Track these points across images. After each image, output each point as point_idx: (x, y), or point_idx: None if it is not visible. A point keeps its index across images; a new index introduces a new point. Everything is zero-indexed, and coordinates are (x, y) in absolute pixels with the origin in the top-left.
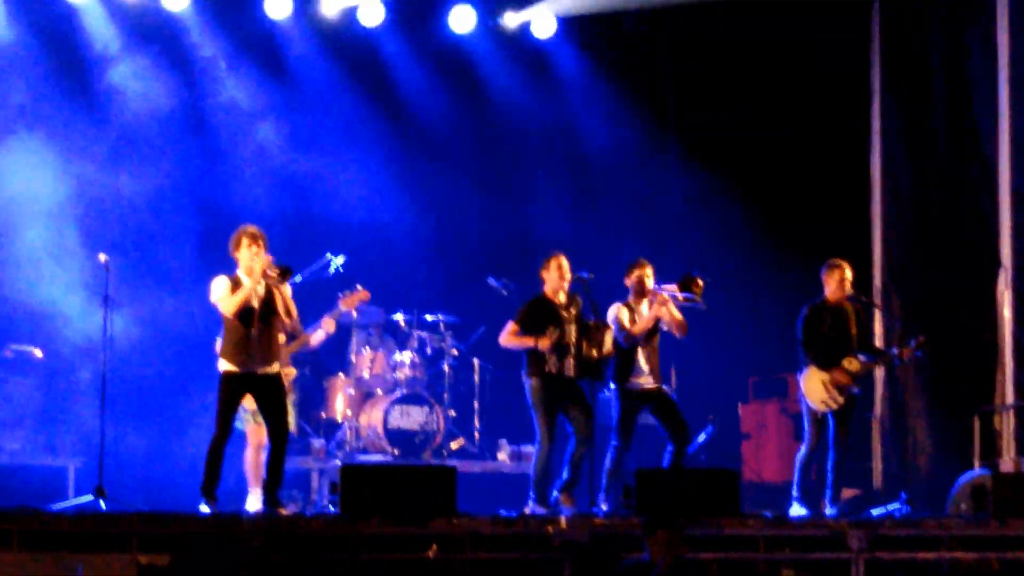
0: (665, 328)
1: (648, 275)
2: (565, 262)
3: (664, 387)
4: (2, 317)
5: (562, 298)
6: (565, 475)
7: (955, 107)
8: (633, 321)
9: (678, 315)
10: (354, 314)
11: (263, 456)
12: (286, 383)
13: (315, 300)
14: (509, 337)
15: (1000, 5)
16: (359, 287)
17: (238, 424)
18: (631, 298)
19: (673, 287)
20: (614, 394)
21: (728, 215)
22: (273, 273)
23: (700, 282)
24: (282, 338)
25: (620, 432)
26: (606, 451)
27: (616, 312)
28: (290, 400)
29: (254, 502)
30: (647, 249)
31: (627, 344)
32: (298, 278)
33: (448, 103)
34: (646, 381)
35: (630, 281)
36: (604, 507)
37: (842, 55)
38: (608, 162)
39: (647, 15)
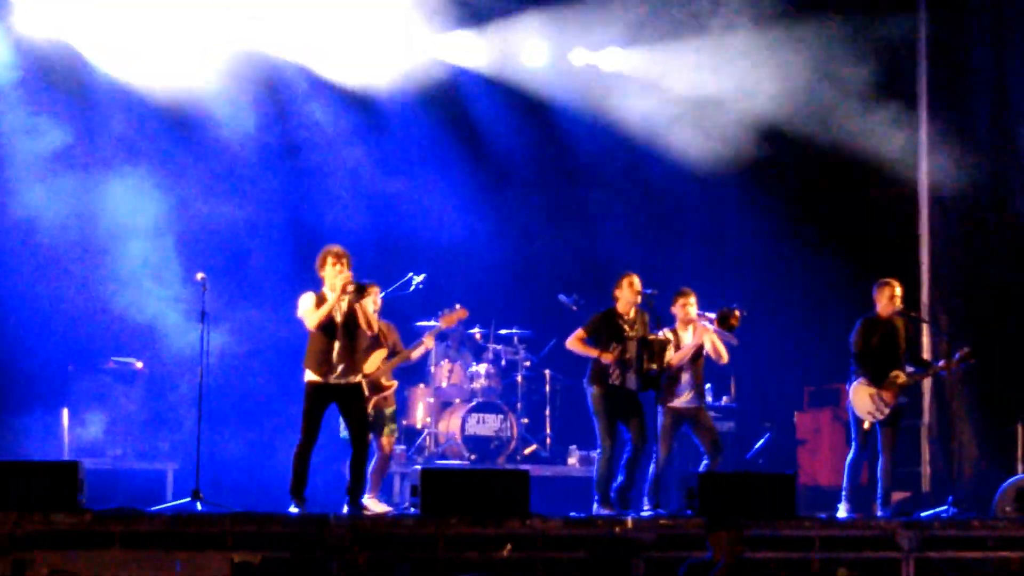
0: (708, 354)
1: (692, 304)
2: (637, 281)
3: (704, 406)
4: (107, 331)
5: (632, 315)
6: (620, 479)
7: (1000, 120)
8: (677, 347)
9: (720, 347)
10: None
11: (381, 463)
12: (388, 394)
13: (397, 316)
14: (575, 342)
15: None
16: (458, 306)
17: (341, 432)
18: (677, 325)
19: (713, 316)
20: (659, 410)
21: (786, 236)
22: (351, 289)
23: (738, 314)
24: (382, 353)
25: (662, 444)
26: (649, 460)
27: (665, 339)
28: (390, 411)
29: (374, 506)
30: (708, 267)
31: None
32: (379, 295)
33: (522, 130)
34: (687, 400)
35: (675, 309)
36: (647, 508)
37: (889, 69)
38: (672, 183)
39: None
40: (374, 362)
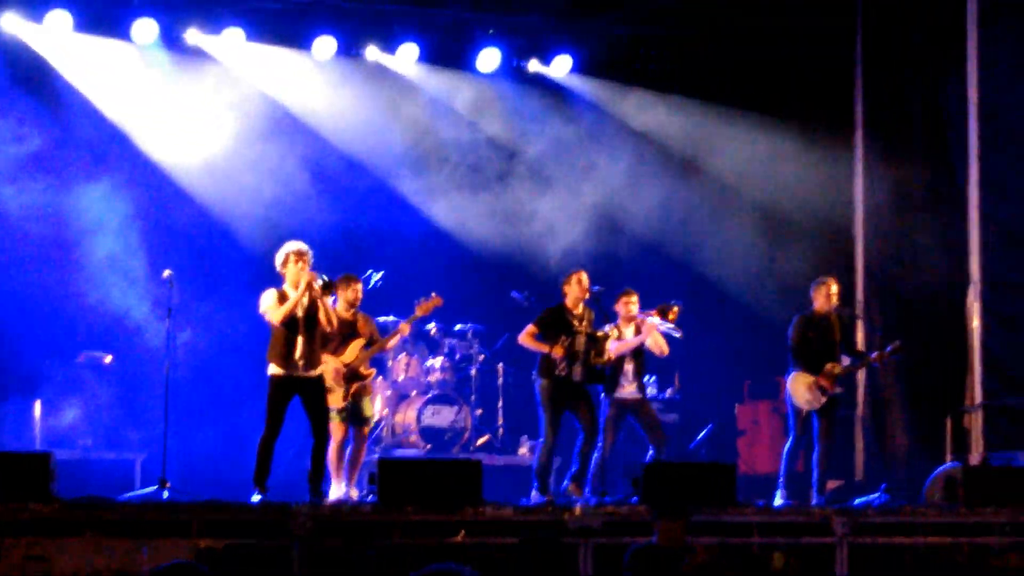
0: (650, 349)
1: (634, 302)
2: (585, 277)
3: (647, 397)
4: (79, 325)
5: (580, 310)
6: (574, 467)
7: (932, 136)
8: (619, 339)
9: (661, 341)
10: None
11: (345, 450)
12: (367, 383)
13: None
14: (526, 337)
15: (971, 42)
16: (433, 294)
17: None
18: (620, 321)
19: (653, 313)
20: (604, 401)
21: (728, 237)
22: (319, 285)
23: (676, 309)
24: (360, 342)
25: (607, 434)
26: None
27: (607, 333)
28: (371, 397)
29: (336, 491)
30: (652, 265)
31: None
32: (359, 288)
33: (481, 127)
34: (631, 392)
35: (618, 307)
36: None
37: (827, 80)
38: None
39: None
40: (353, 351)
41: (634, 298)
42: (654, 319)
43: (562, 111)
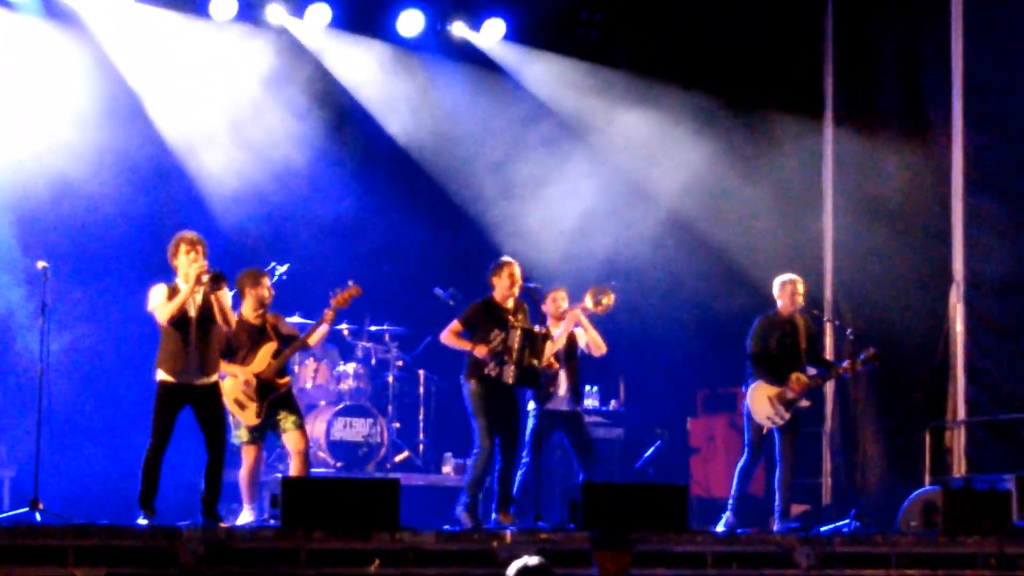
0: (584, 349)
1: (563, 297)
2: (518, 270)
3: (580, 410)
4: None
5: (510, 304)
6: (496, 492)
7: (909, 117)
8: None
9: (596, 337)
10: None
11: (259, 475)
12: (283, 392)
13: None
14: (450, 335)
15: (955, 13)
16: (351, 283)
17: (233, 439)
18: (549, 322)
19: (584, 302)
20: (533, 412)
21: (676, 222)
22: (206, 279)
23: (611, 294)
24: (271, 347)
25: (532, 449)
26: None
27: (547, 332)
28: (284, 413)
29: (246, 516)
30: (591, 257)
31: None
32: (269, 284)
33: (396, 106)
34: (563, 403)
35: (546, 307)
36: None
37: (796, 60)
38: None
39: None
40: (263, 358)
41: (562, 293)
42: (584, 303)
43: (491, 84)
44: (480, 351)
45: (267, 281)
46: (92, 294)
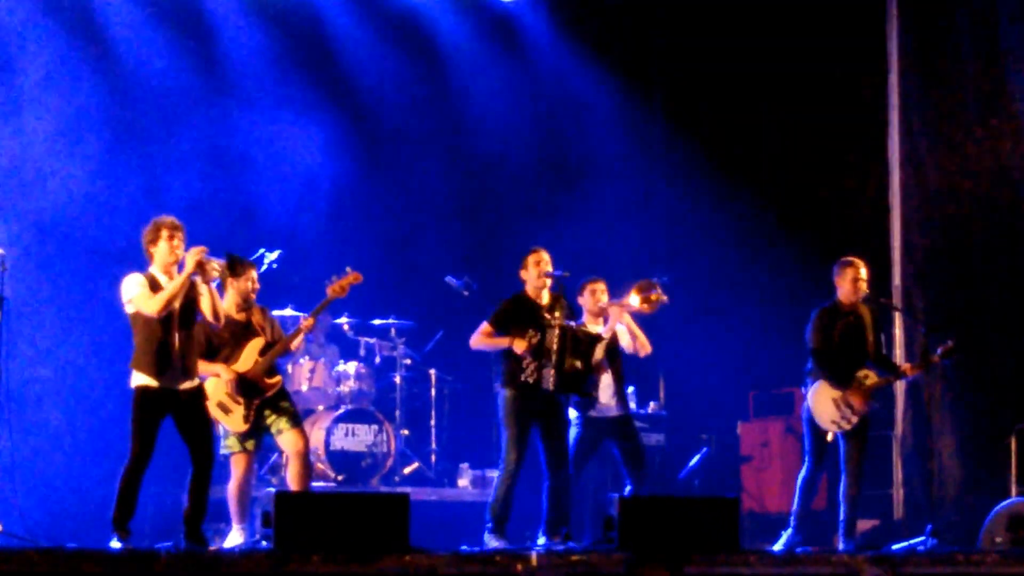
0: (627, 349)
1: (603, 291)
2: (546, 257)
3: (630, 414)
4: None
5: (545, 299)
6: (546, 515)
7: (987, 79)
8: None
9: (641, 335)
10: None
11: (250, 488)
12: (272, 393)
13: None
14: (482, 338)
15: None
16: (349, 269)
17: (221, 450)
18: (585, 318)
19: (629, 295)
20: (576, 421)
21: (726, 208)
22: (218, 266)
23: (659, 291)
24: (258, 343)
25: (576, 462)
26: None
27: (598, 335)
28: (272, 417)
29: (236, 538)
30: (630, 246)
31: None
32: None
33: (404, 75)
34: (610, 407)
35: (583, 300)
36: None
37: (856, 24)
38: (589, 147)
39: None
40: (249, 357)
41: (601, 285)
42: (630, 300)
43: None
44: (519, 346)
45: (253, 273)
46: (60, 286)
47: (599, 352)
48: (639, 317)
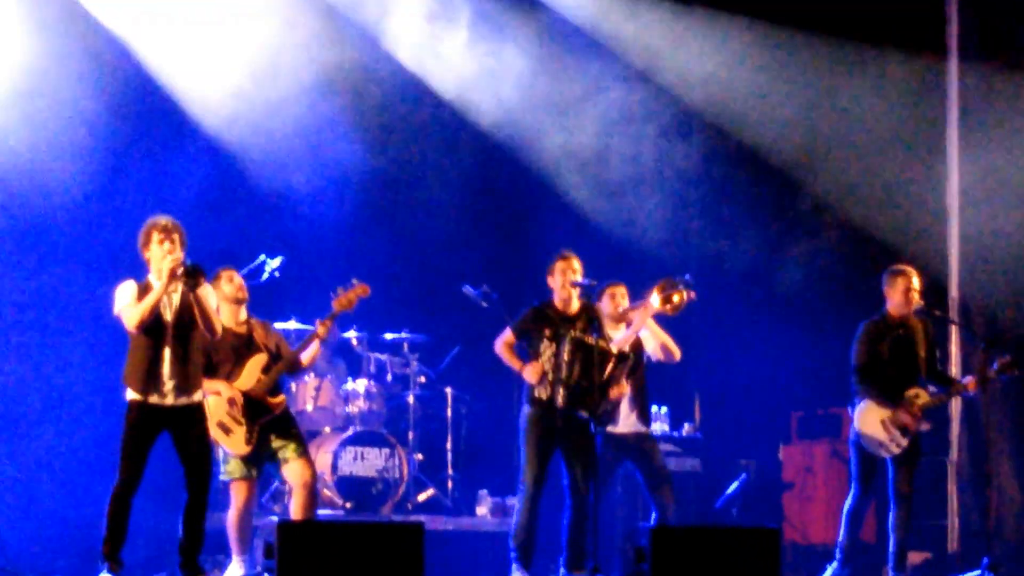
0: (653, 357)
1: (623, 294)
2: (576, 265)
3: (650, 432)
4: None
5: (574, 309)
6: (565, 546)
7: None
8: None
9: (669, 340)
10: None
11: (251, 516)
12: (276, 414)
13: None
14: (503, 348)
15: None
16: (355, 281)
17: (221, 475)
18: (606, 324)
19: (651, 300)
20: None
21: (767, 211)
22: (181, 274)
23: (684, 289)
24: (260, 359)
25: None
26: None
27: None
28: (298, 439)
29: (235, 570)
30: (665, 256)
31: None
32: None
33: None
34: (629, 424)
35: (602, 305)
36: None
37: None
38: (612, 143)
39: None
40: (251, 373)
41: (622, 289)
42: (651, 301)
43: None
44: (530, 374)
45: (233, 275)
46: (47, 294)
47: (609, 369)
48: (665, 321)
